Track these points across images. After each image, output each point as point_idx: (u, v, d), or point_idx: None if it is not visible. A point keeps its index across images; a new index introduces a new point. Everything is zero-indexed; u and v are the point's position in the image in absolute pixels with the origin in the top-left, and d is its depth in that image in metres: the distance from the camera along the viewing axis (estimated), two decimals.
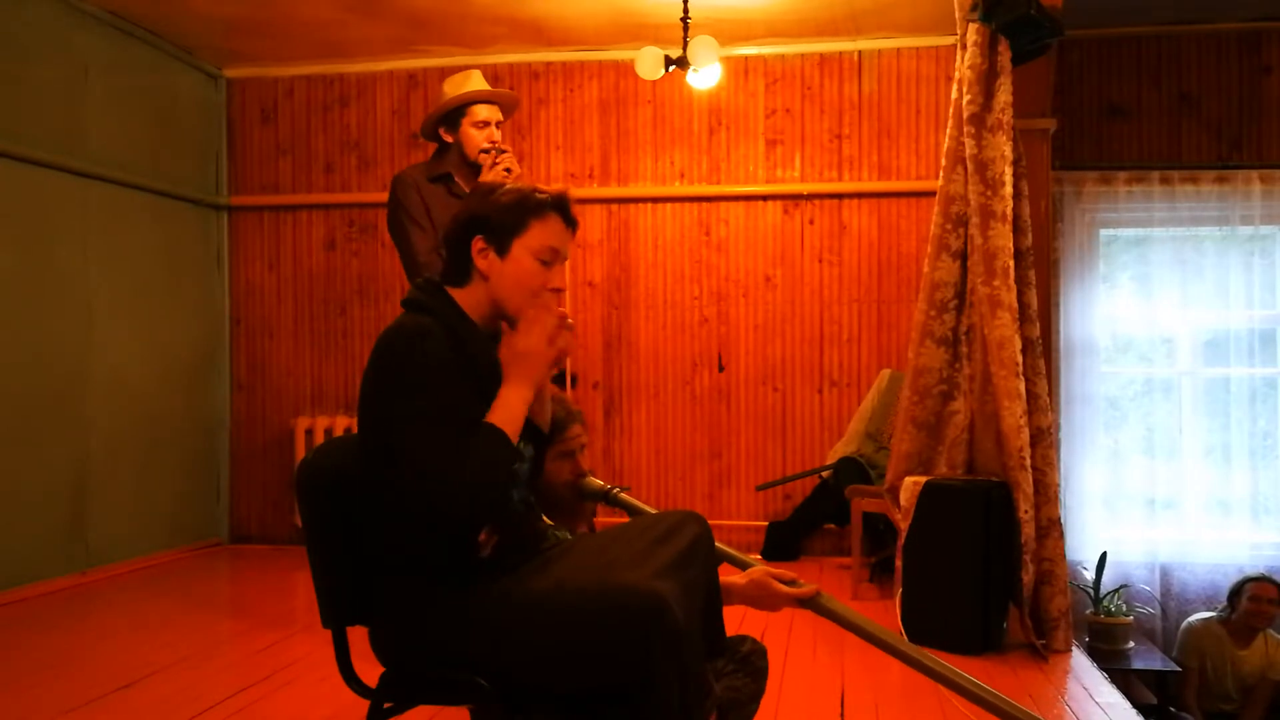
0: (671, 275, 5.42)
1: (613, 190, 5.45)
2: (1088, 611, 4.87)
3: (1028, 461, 3.51)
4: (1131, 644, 4.85)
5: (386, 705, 1.86)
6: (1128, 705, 3.03)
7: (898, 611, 3.63)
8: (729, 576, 2.05)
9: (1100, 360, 5.49)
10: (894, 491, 3.82)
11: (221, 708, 2.89)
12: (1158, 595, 5.37)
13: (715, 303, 5.39)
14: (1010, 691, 2.97)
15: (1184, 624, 5.21)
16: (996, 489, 3.51)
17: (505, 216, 1.83)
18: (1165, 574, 5.42)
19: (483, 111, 3.60)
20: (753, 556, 2.39)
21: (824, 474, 4.95)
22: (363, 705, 1.87)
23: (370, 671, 1.86)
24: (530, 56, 5.50)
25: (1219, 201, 5.41)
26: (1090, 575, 4.95)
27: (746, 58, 5.38)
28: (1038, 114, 3.97)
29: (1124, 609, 4.91)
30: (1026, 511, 3.47)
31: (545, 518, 2.06)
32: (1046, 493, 3.60)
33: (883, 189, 5.27)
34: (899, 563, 3.68)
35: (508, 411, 1.75)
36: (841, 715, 2.89)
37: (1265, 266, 5.46)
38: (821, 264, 5.32)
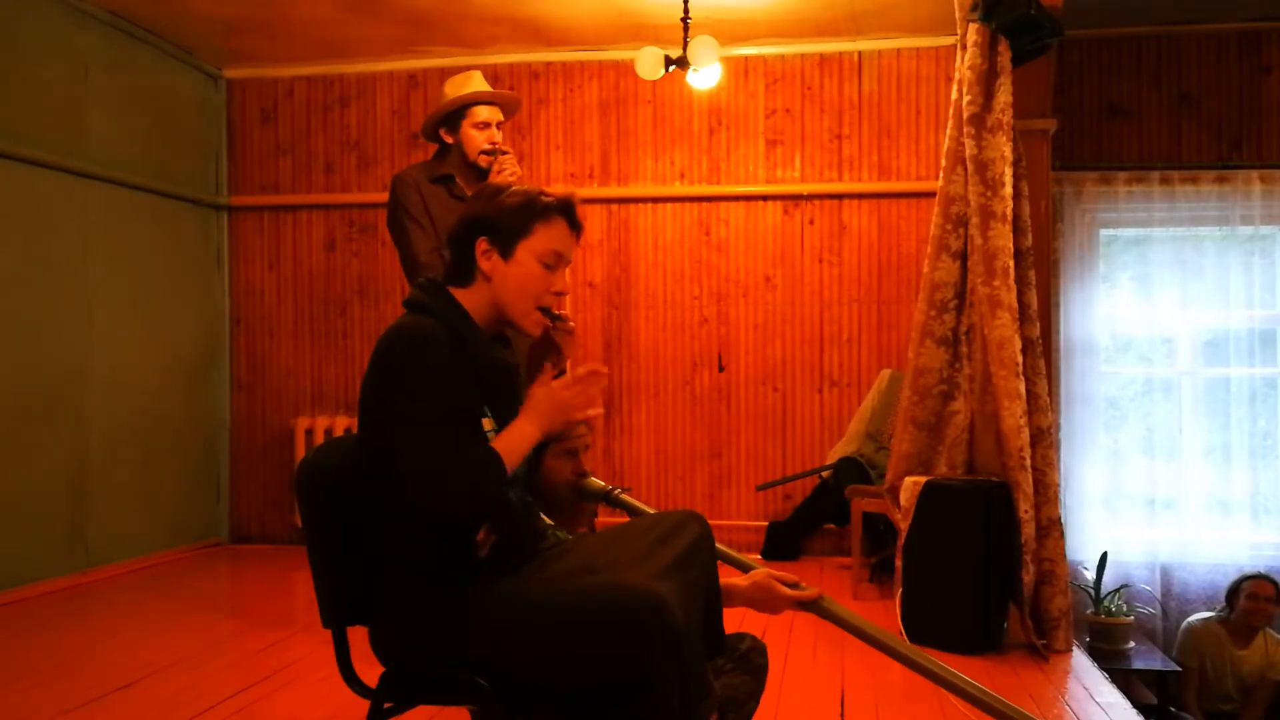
0: (671, 275, 5.42)
1: (613, 190, 5.45)
2: (1088, 611, 4.87)
3: (1028, 461, 3.51)
4: (1132, 644, 4.85)
5: (386, 705, 1.86)
6: (1128, 705, 3.03)
7: (898, 611, 3.63)
8: (731, 578, 2.05)
9: (1100, 360, 5.49)
10: (894, 491, 3.82)
11: (221, 708, 2.89)
12: (1158, 595, 5.37)
13: (715, 303, 5.39)
14: (1011, 692, 2.97)
15: (1184, 624, 5.22)
16: (996, 489, 3.51)
17: (510, 219, 1.84)
18: (1165, 574, 5.42)
19: (483, 113, 3.60)
20: (752, 557, 2.39)
21: (824, 474, 4.95)
22: (363, 705, 1.87)
23: (370, 671, 1.86)
24: (530, 56, 5.50)
25: (1219, 201, 5.41)
26: (1091, 575, 4.96)
27: (746, 58, 5.38)
28: (1038, 114, 3.96)
29: (1124, 609, 4.91)
30: (1026, 511, 3.47)
31: (545, 518, 2.07)
32: (1046, 493, 3.60)
33: (883, 189, 5.27)
34: (899, 563, 3.68)
35: (513, 442, 1.78)
36: (841, 715, 2.89)
37: (1265, 266, 5.46)
38: (821, 264, 5.32)
